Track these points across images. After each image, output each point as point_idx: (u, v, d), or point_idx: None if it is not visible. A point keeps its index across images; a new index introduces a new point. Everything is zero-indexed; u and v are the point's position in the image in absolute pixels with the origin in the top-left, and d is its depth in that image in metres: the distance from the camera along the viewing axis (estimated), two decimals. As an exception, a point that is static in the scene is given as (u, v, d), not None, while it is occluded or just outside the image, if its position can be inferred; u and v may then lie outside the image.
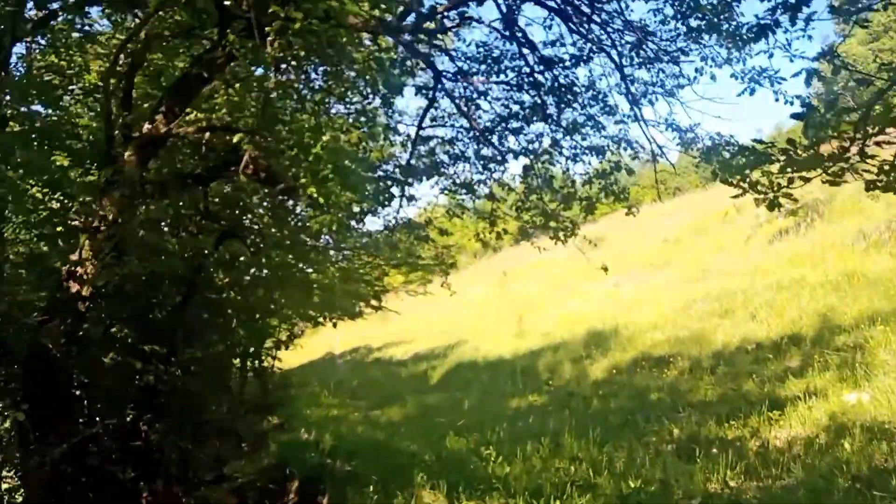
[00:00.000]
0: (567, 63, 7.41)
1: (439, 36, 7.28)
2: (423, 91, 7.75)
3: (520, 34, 7.25)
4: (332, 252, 11.54)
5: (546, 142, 7.97)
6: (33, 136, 5.72)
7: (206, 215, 7.22)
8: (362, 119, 7.92)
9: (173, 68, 6.57)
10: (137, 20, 5.78)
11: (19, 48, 6.34)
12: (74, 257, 5.02)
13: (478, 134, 7.90)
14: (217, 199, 7.88)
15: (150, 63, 6.41)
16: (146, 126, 5.37)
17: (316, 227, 5.76)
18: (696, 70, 7.08)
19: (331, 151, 4.50)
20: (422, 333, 23.93)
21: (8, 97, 5.42)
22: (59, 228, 6.21)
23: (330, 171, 4.45)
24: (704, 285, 14.48)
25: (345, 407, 13.83)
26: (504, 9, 7.05)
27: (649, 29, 7.13)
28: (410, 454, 7.66)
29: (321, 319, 14.53)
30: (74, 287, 4.94)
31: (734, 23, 6.27)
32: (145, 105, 6.31)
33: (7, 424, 5.50)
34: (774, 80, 6.20)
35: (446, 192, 8.62)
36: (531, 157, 7.94)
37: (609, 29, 7.20)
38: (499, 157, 8.07)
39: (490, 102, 7.89)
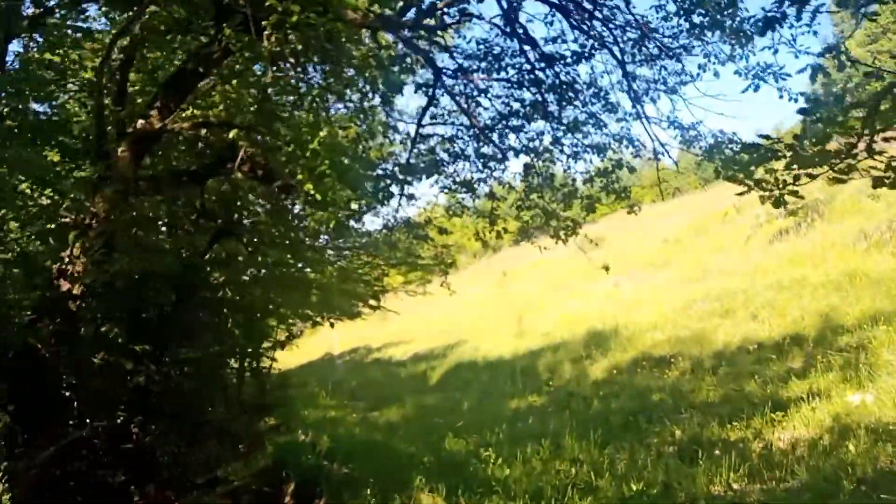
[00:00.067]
0: (568, 60, 7.34)
1: (439, 32, 7.21)
2: (423, 88, 7.66)
3: (521, 31, 7.18)
4: (330, 251, 11.47)
5: (547, 140, 7.91)
6: (25, 132, 5.63)
7: (202, 213, 7.14)
8: (361, 117, 7.85)
9: (169, 64, 6.50)
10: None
11: (16, 45, 6.28)
12: (65, 255, 4.93)
13: (478, 132, 7.83)
14: (213, 197, 7.80)
15: (146, 58, 6.34)
16: (140, 122, 5.30)
17: (314, 225, 5.68)
18: (699, 67, 7.03)
19: (328, 147, 4.43)
20: (421, 333, 23.87)
21: (3, 94, 5.35)
22: (49, 225, 6.11)
23: (327, 168, 4.38)
24: (705, 285, 14.42)
25: (343, 408, 13.74)
26: (505, 5, 6.98)
27: (652, 25, 7.07)
28: (409, 456, 7.58)
29: (319, 319, 14.49)
30: (65, 285, 4.86)
31: (738, 19, 6.19)
32: (140, 101, 6.24)
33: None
34: (779, 77, 6.12)
35: (446, 190, 8.53)
36: (532, 155, 7.87)
37: (611, 25, 7.13)
38: (499, 156, 7.99)
39: (490, 100, 7.83)
